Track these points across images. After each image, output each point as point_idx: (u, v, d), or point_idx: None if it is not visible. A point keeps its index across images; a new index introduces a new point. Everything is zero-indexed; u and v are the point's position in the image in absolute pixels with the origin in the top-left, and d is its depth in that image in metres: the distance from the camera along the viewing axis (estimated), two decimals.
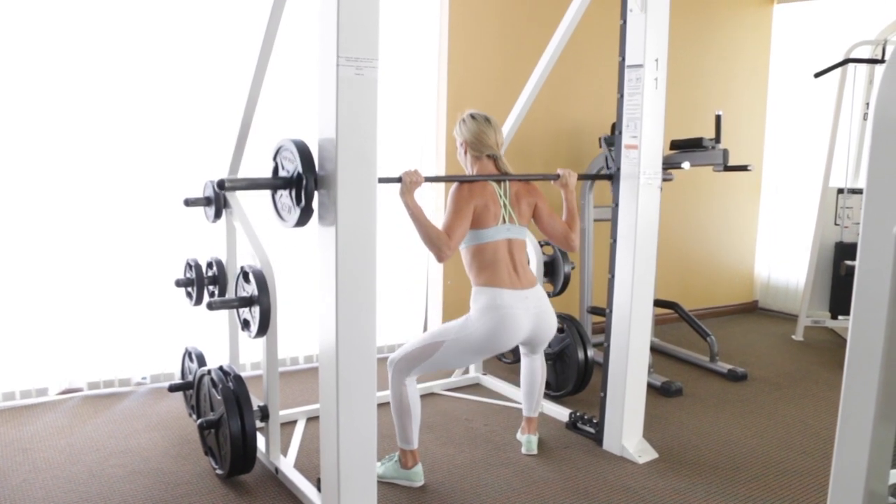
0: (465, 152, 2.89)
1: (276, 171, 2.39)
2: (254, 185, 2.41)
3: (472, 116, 2.86)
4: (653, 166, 2.99)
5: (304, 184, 2.20)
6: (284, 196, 2.35)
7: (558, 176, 3.02)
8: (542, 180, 3.05)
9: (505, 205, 2.79)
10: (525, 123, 3.69)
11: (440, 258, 2.62)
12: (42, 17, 3.35)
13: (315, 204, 2.25)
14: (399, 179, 2.61)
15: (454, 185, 2.78)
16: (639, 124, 2.95)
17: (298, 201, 2.25)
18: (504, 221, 2.78)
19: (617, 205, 3.07)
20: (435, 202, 4.47)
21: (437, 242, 2.60)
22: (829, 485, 1.37)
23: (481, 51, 4.50)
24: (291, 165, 2.28)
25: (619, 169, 3.04)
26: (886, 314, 1.20)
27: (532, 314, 2.77)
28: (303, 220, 2.29)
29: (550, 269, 3.78)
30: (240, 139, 2.97)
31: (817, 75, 4.92)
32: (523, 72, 3.65)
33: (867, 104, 5.11)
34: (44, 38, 3.37)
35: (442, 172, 4.47)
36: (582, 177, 3.09)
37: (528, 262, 2.91)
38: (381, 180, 2.36)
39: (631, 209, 3.00)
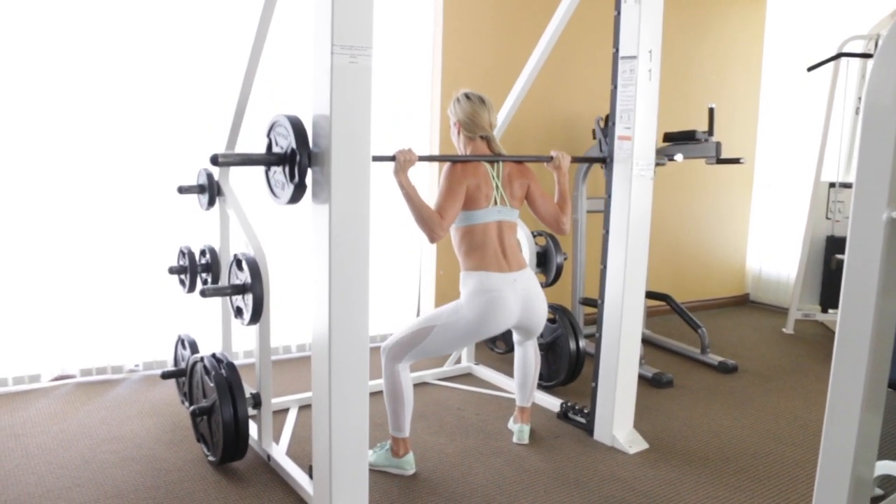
0: (459, 132, 2.87)
1: (269, 147, 2.37)
2: (247, 160, 2.38)
3: (467, 96, 2.84)
4: (646, 158, 3.00)
5: (298, 159, 2.18)
6: (278, 172, 2.32)
7: (551, 158, 3.02)
8: (535, 162, 3.04)
9: (497, 186, 2.78)
10: (519, 113, 3.69)
11: (432, 238, 2.61)
12: (37, 7, 3.32)
13: (308, 181, 2.23)
14: (393, 158, 2.58)
15: (447, 165, 2.76)
16: (632, 116, 2.95)
17: (292, 177, 2.23)
18: (495, 203, 2.77)
19: (610, 196, 3.08)
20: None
21: (429, 223, 2.59)
22: (817, 471, 1.38)
23: (476, 41, 4.50)
24: (285, 141, 2.25)
25: (611, 153, 3.04)
26: (875, 302, 1.21)
27: (521, 297, 2.76)
28: (296, 196, 2.25)
29: (543, 260, 3.79)
30: (233, 129, 2.96)
31: (810, 69, 4.93)
32: (518, 61, 3.65)
33: (859, 98, 5.12)
34: (38, 27, 3.35)
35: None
36: (575, 159, 3.08)
37: (519, 246, 2.90)
38: (376, 158, 2.35)
39: (624, 201, 3.01)
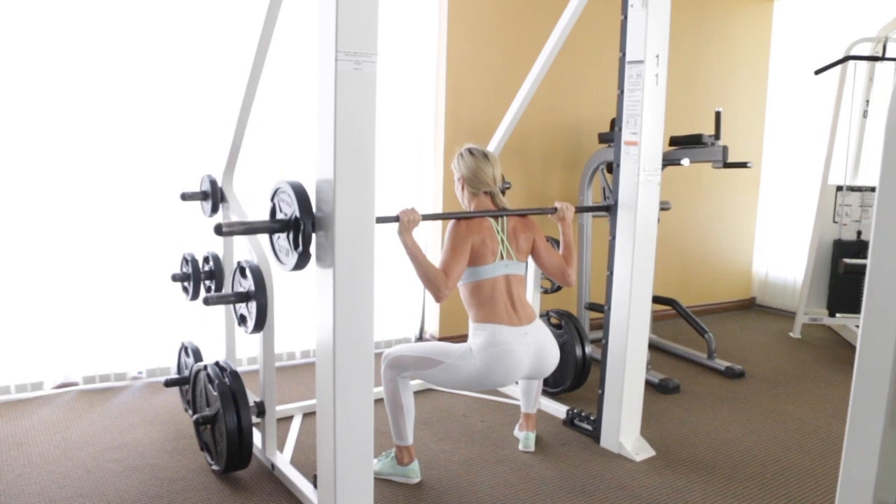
0: (463, 188, 2.87)
1: (273, 212, 2.37)
2: (251, 229, 2.37)
3: (471, 152, 2.84)
4: (652, 163, 2.98)
5: (302, 228, 2.19)
6: (282, 238, 2.32)
7: (556, 209, 3.00)
8: (539, 214, 3.03)
9: (502, 240, 2.77)
10: (523, 119, 3.67)
11: (438, 298, 2.59)
12: (40, 13, 3.31)
13: (313, 246, 2.23)
14: (397, 218, 2.57)
15: (451, 222, 2.74)
16: (639, 120, 2.93)
17: (296, 246, 2.23)
18: (502, 258, 2.75)
19: (616, 201, 3.06)
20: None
21: (434, 282, 2.58)
22: (836, 494, 1.35)
23: (480, 47, 4.47)
24: (289, 208, 2.25)
25: (616, 202, 3.04)
26: None
27: (532, 350, 2.72)
28: (301, 263, 2.26)
29: None
30: (236, 135, 2.95)
31: (818, 72, 4.90)
32: (523, 67, 3.63)
33: (867, 101, 5.10)
34: (42, 34, 3.34)
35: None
36: (580, 209, 3.07)
37: (526, 296, 2.88)
38: (380, 220, 2.35)
39: (630, 206, 2.98)
